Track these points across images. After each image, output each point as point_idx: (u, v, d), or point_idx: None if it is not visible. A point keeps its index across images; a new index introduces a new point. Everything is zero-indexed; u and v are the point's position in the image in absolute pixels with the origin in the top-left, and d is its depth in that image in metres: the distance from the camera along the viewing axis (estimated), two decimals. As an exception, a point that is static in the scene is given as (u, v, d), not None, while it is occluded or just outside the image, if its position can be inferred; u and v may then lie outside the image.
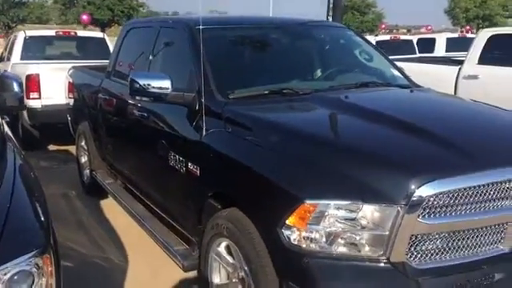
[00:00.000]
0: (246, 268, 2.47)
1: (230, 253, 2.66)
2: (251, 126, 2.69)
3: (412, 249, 2.15)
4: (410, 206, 2.08)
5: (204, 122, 2.85)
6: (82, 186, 5.60)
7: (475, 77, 7.44)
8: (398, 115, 2.62)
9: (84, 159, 5.47)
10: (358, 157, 2.28)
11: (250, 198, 2.49)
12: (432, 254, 2.19)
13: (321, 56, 3.81)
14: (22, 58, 8.15)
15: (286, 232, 2.22)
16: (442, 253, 2.20)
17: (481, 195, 2.19)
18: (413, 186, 2.09)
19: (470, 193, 2.17)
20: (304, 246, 2.19)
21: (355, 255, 2.15)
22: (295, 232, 2.20)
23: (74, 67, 6.07)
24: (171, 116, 3.29)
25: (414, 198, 2.08)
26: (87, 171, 5.34)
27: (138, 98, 3.16)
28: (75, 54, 9.04)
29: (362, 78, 3.53)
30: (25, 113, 7.18)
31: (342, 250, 2.16)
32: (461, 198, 2.15)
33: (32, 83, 6.93)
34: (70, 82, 5.84)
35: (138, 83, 3.12)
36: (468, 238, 2.24)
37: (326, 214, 2.15)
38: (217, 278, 2.86)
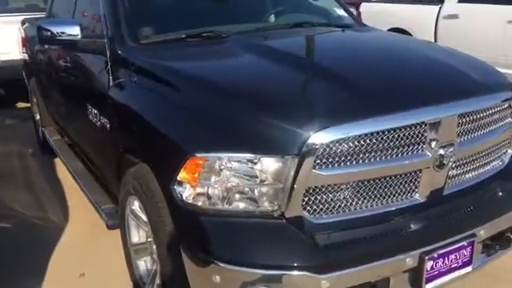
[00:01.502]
0: (147, 228, 2.32)
1: (146, 211, 2.49)
2: (152, 75, 2.46)
3: (310, 202, 1.97)
4: (302, 156, 1.87)
5: (110, 71, 2.62)
6: (38, 143, 5.43)
7: (455, 16, 7.07)
8: (310, 58, 2.38)
9: (37, 116, 5.28)
10: (251, 106, 2.05)
11: (150, 154, 2.30)
12: (333, 208, 2.00)
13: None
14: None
15: (179, 189, 2.03)
16: (345, 205, 2.01)
17: (386, 141, 1.98)
18: (304, 134, 1.88)
19: (372, 139, 1.95)
20: (196, 203, 2.01)
21: (248, 211, 1.97)
22: (187, 188, 2.02)
23: (26, 19, 5.76)
24: (87, 66, 3.07)
25: (306, 148, 1.87)
26: (40, 128, 5.17)
27: (46, 46, 2.91)
28: (41, 6, 8.65)
29: (298, 18, 3.24)
30: (-15, 69, 6.94)
31: (234, 206, 1.98)
32: (361, 145, 1.94)
33: (-14, 39, 6.64)
34: (22, 36, 5.56)
35: (46, 31, 2.87)
36: (374, 189, 2.04)
37: (217, 167, 1.95)
38: (135, 237, 2.71)
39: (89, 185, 3.45)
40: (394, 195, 2.09)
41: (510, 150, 2.51)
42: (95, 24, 2.74)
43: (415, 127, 2.03)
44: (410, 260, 2.04)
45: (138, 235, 2.69)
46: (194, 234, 2.05)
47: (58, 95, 4.06)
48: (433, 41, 7.38)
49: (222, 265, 1.93)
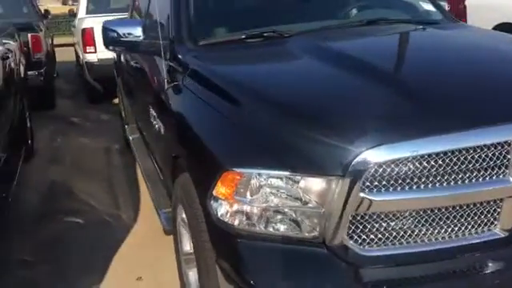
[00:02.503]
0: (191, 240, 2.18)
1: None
2: (200, 79, 2.30)
3: (358, 231, 1.69)
4: (349, 177, 1.60)
5: (165, 73, 2.51)
6: (124, 140, 5.59)
7: None
8: (371, 63, 2.06)
9: (123, 114, 5.42)
10: (295, 118, 1.80)
11: (192, 163, 2.15)
12: (387, 239, 1.70)
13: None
14: (87, 12, 8.25)
15: (215, 204, 1.86)
16: (402, 237, 1.70)
17: (454, 164, 1.63)
18: (351, 152, 1.60)
19: (438, 161, 1.62)
20: (232, 222, 1.81)
21: (287, 236, 1.74)
22: (223, 205, 1.83)
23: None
24: (151, 67, 3.01)
25: (353, 168, 1.59)
26: (125, 126, 5.30)
27: (111, 48, 2.89)
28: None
29: (373, 14, 2.91)
30: (85, 67, 7.34)
31: (273, 229, 1.76)
32: (424, 167, 1.62)
33: (87, 37, 7.00)
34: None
35: (111, 32, 2.84)
36: (440, 219, 1.70)
37: (254, 184, 1.74)
38: (186, 246, 2.59)
39: (155, 187, 3.41)
40: (466, 228, 1.74)
41: None
42: (159, 25, 2.65)
43: (495, 147, 1.66)
44: (481, 307, 1.69)
45: (188, 244, 2.58)
46: (229, 255, 1.87)
47: (133, 95, 4.09)
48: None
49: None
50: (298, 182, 1.70)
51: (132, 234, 3.57)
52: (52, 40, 10.13)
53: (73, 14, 10.30)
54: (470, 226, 1.74)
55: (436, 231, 1.72)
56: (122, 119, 5.54)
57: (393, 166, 1.61)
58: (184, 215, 2.46)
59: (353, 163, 1.59)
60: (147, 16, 3.45)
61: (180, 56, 2.56)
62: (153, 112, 2.86)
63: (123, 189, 4.44)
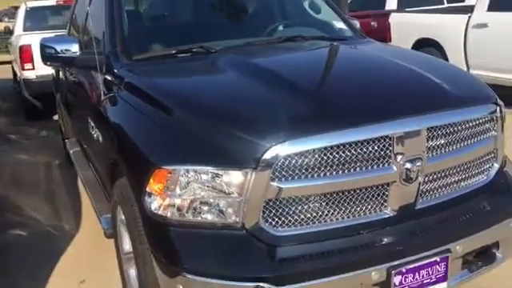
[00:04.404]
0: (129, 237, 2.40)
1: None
2: (132, 89, 2.55)
3: (271, 214, 1.99)
4: (260, 170, 1.90)
5: (102, 86, 2.74)
6: (66, 155, 5.67)
7: (485, 25, 6.87)
8: (281, 72, 2.40)
9: (63, 128, 5.53)
10: (215, 120, 2.10)
11: (127, 165, 2.39)
12: (296, 220, 2.00)
13: (255, 9, 3.55)
14: (24, 30, 8.26)
15: (148, 200, 2.11)
16: (309, 218, 2.01)
17: (347, 155, 1.97)
18: (261, 148, 1.91)
19: (333, 153, 1.95)
20: (164, 214, 2.07)
21: (212, 223, 2.01)
22: (155, 200, 2.08)
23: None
24: (88, 81, 3.21)
25: (263, 161, 1.90)
26: (64, 140, 5.40)
27: (48, 63, 3.08)
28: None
29: (291, 31, 3.27)
30: (23, 84, 7.34)
31: (200, 218, 2.03)
32: (322, 158, 1.94)
33: (25, 54, 7.03)
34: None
35: (49, 48, 3.04)
36: (339, 202, 2.03)
37: (182, 180, 2.01)
38: (126, 246, 2.80)
39: (96, 194, 3.58)
40: (361, 209, 2.08)
41: (496, 164, 2.43)
42: (95, 41, 2.87)
43: (379, 141, 2.01)
44: (376, 274, 2.02)
45: (128, 244, 2.78)
46: (163, 244, 2.11)
47: (73, 108, 4.25)
48: (462, 50, 7.21)
49: (185, 275, 1.97)
50: (220, 176, 1.98)
51: (74, 242, 3.73)
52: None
53: (9, 32, 10.21)
54: (365, 208, 2.08)
55: (338, 212, 2.04)
56: (62, 134, 5.64)
57: (296, 158, 1.92)
58: (123, 216, 2.68)
59: (263, 157, 1.90)
60: (84, 32, 3.65)
61: (115, 70, 2.80)
62: (91, 123, 3.06)
63: (65, 201, 4.57)
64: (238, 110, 2.15)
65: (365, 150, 2.00)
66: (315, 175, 1.96)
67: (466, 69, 7.27)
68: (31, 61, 7.05)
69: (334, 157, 1.96)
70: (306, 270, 1.96)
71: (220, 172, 1.96)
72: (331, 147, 1.95)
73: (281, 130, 1.93)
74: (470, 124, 2.24)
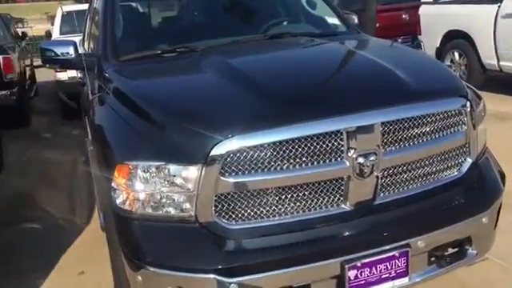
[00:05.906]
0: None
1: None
2: (113, 89, 2.67)
3: (224, 208, 2.04)
4: (209, 165, 1.97)
5: (89, 85, 2.88)
6: (91, 152, 5.93)
7: (515, 15, 6.61)
8: (245, 69, 2.44)
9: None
10: (173, 117, 2.17)
11: (102, 162, 2.50)
12: (249, 214, 2.05)
13: (248, 7, 3.59)
14: (61, 33, 8.67)
15: (114, 194, 2.21)
16: (262, 212, 2.05)
17: (297, 149, 1.99)
18: (209, 144, 1.97)
19: (282, 147, 1.98)
20: (127, 208, 2.17)
21: (168, 216, 2.09)
22: (120, 194, 2.19)
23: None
24: (87, 82, 3.36)
25: (212, 156, 1.96)
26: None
27: (48, 65, 3.26)
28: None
29: (279, 29, 3.30)
30: (57, 85, 7.70)
31: (158, 212, 2.11)
32: (271, 153, 1.98)
33: (57, 57, 7.35)
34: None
35: (47, 51, 3.22)
36: (292, 196, 2.06)
37: (141, 174, 2.10)
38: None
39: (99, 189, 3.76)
40: (317, 203, 2.10)
41: (469, 159, 2.38)
42: (91, 44, 3.03)
43: (330, 136, 2.02)
44: (330, 268, 2.05)
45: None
46: (127, 236, 2.21)
47: (84, 108, 4.45)
48: (492, 41, 6.96)
49: (145, 267, 2.07)
50: (176, 171, 2.06)
51: (82, 235, 3.91)
52: (31, 61, 10.53)
53: (49, 35, 10.72)
54: (321, 202, 2.10)
55: (293, 206, 2.07)
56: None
57: (246, 153, 1.97)
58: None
59: (211, 153, 1.96)
60: (89, 36, 3.83)
61: (104, 70, 2.93)
62: (87, 122, 3.22)
63: (81, 196, 4.78)
64: (194, 107, 2.22)
65: (316, 144, 2.02)
66: (266, 170, 2.00)
67: (496, 60, 7.02)
68: (63, 63, 7.37)
69: (285, 151, 2.00)
70: (258, 262, 2.01)
71: (175, 167, 2.04)
72: (281, 142, 1.98)
73: (229, 126, 1.99)
74: (433, 118, 2.20)
